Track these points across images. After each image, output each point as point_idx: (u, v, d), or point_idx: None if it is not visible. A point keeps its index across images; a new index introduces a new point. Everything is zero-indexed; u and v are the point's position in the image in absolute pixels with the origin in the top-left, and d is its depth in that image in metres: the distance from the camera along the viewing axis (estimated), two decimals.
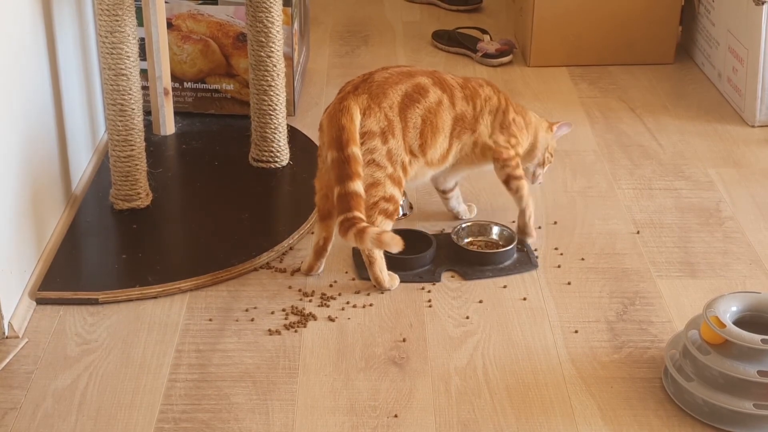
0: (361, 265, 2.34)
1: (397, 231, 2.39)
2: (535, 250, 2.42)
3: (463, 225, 2.48)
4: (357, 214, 2.14)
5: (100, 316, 2.20)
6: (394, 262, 2.32)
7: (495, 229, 2.48)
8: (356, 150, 2.17)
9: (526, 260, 2.39)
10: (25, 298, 2.22)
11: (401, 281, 2.32)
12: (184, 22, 2.98)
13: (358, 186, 2.15)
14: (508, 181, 2.42)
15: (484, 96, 2.38)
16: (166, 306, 2.24)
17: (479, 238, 2.48)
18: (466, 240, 2.46)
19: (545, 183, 2.74)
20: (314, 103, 3.20)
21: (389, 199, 2.25)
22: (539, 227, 2.53)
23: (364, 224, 2.13)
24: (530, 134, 2.48)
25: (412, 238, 2.37)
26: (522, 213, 2.45)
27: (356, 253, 2.39)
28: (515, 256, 2.40)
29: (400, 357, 2.10)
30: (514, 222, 2.50)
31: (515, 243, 2.41)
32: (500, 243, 2.46)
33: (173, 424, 1.92)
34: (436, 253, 2.39)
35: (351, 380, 2.03)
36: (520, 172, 2.42)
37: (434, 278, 2.33)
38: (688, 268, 2.40)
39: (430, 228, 2.51)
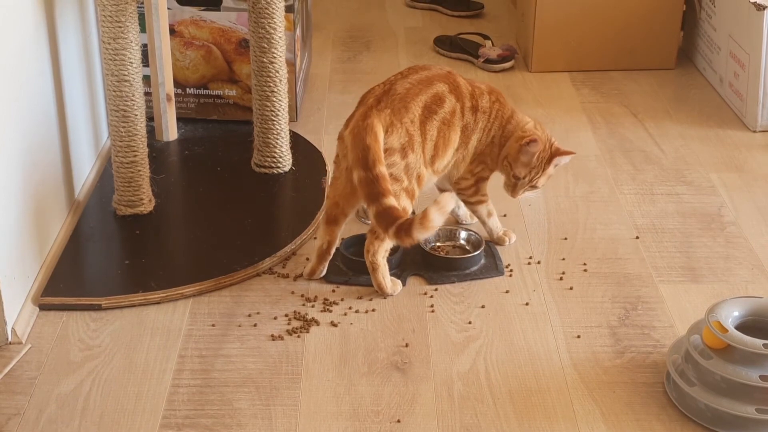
0: (328, 269, 2.36)
1: (364, 234, 2.42)
2: (508, 266, 2.41)
3: None
4: (403, 218, 2.16)
5: (103, 322, 2.21)
6: (360, 266, 2.33)
7: (462, 234, 2.48)
8: (383, 169, 2.18)
9: (492, 266, 2.39)
10: (28, 304, 2.22)
11: (365, 285, 2.33)
12: (187, 28, 2.98)
13: (392, 200, 2.18)
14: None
15: (482, 108, 2.38)
16: (169, 311, 2.24)
17: (447, 243, 2.48)
18: (432, 245, 2.46)
19: (547, 188, 2.75)
20: (316, 109, 3.21)
21: (403, 211, 2.26)
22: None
23: (411, 218, 2.15)
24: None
25: None
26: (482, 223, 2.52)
27: (332, 258, 2.40)
28: (482, 261, 2.40)
29: (403, 362, 2.10)
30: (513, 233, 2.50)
31: (482, 249, 2.42)
32: (467, 248, 2.46)
33: (176, 429, 1.92)
34: (402, 258, 2.39)
35: (354, 385, 2.03)
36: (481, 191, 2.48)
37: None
38: (690, 273, 2.40)
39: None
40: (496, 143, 2.40)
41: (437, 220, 2.10)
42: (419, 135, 2.27)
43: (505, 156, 2.39)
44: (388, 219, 2.16)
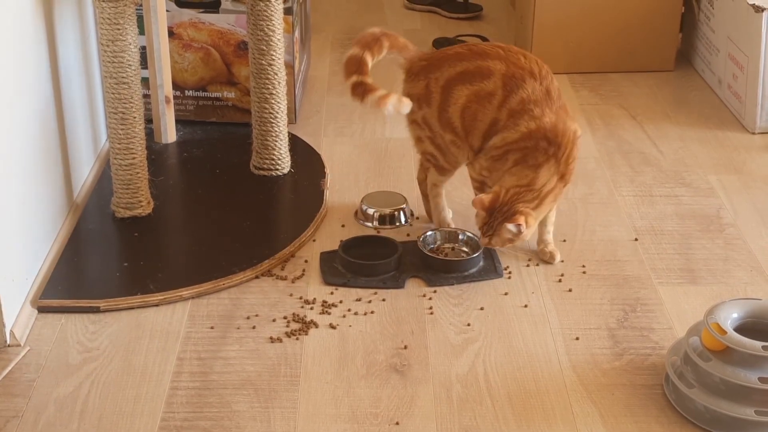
0: (327, 271, 2.36)
1: (363, 237, 2.44)
2: (506, 268, 2.41)
3: (429, 232, 2.47)
4: (368, 83, 2.33)
5: (102, 324, 2.20)
6: (359, 268, 2.34)
7: (461, 236, 2.48)
8: (368, 57, 2.36)
9: (491, 268, 2.39)
10: (27, 307, 2.22)
11: (365, 287, 2.33)
12: (186, 30, 2.98)
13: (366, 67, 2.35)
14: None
15: (522, 123, 2.27)
16: (168, 314, 2.24)
17: (446, 245, 2.48)
18: (431, 247, 2.46)
19: None
20: (315, 111, 3.21)
21: (431, 155, 2.42)
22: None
23: (375, 88, 2.32)
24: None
25: (377, 244, 2.41)
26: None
27: (323, 259, 2.41)
28: (480, 264, 2.40)
29: (402, 364, 2.10)
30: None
31: (481, 251, 2.41)
32: (466, 250, 2.46)
33: (175, 431, 1.92)
34: (401, 260, 2.39)
35: (352, 388, 2.03)
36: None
37: (398, 285, 2.34)
38: (688, 275, 2.40)
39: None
40: (505, 165, 2.31)
41: (390, 106, 2.28)
42: (439, 95, 2.34)
43: None
44: (356, 67, 2.34)
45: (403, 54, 2.43)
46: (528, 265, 2.43)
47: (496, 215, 2.27)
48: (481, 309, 2.27)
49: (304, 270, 2.39)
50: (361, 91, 2.31)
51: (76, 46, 2.65)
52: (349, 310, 2.26)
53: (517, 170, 2.28)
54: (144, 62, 2.75)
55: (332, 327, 2.21)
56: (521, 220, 2.24)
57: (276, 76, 2.69)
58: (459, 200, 2.65)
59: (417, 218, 2.61)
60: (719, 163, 2.92)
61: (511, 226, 2.25)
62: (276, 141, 2.75)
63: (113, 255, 2.46)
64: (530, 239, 2.46)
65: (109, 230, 2.53)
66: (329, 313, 2.25)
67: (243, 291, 2.32)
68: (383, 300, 2.30)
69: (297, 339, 2.17)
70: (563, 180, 2.29)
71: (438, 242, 2.48)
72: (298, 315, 2.24)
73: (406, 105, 2.30)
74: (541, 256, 2.44)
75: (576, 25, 3.44)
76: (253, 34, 2.65)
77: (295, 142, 2.90)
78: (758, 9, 3.01)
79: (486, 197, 2.26)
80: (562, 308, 2.28)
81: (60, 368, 2.07)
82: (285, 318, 2.23)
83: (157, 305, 2.26)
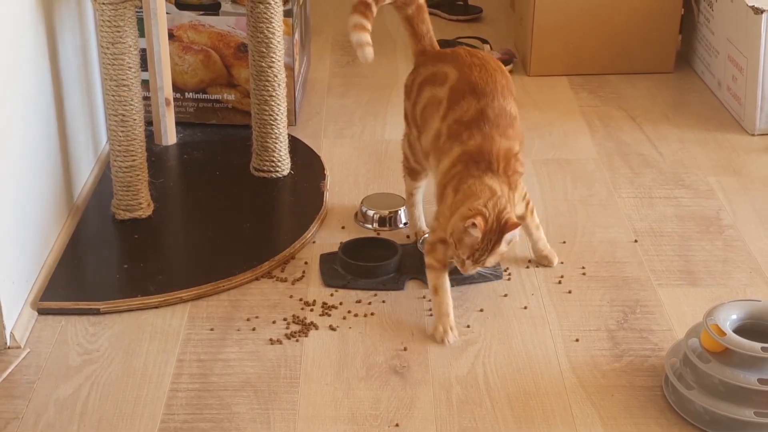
0: (327, 273, 2.36)
1: (363, 239, 2.44)
2: (506, 269, 2.40)
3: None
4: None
5: (102, 326, 2.21)
6: (358, 269, 2.34)
7: None
8: None
9: (490, 270, 2.38)
10: (27, 309, 2.22)
11: (365, 289, 2.33)
12: (186, 32, 2.99)
13: None
14: None
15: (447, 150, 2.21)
16: (168, 315, 2.25)
17: None
18: None
19: (546, 191, 2.75)
20: (315, 113, 3.21)
21: (404, 155, 2.46)
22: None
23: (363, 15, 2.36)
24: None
25: (377, 246, 2.41)
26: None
27: (323, 261, 2.41)
28: None
29: (401, 366, 2.10)
30: None
31: None
32: None
33: None
34: (401, 262, 2.39)
35: (352, 389, 2.03)
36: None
37: (398, 286, 2.34)
38: (688, 277, 2.40)
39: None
40: (447, 200, 2.18)
41: (355, 38, 2.30)
42: (416, 91, 2.36)
43: (451, 232, 2.13)
44: None
45: (414, 41, 2.43)
46: (528, 267, 2.43)
47: (490, 236, 2.10)
48: (481, 311, 2.27)
49: (304, 272, 2.40)
50: (360, 10, 2.31)
51: (76, 48, 2.65)
52: (349, 311, 2.26)
53: (469, 191, 2.12)
54: (144, 64, 2.76)
55: (332, 329, 2.21)
56: (514, 220, 2.12)
57: (276, 78, 2.69)
58: None
59: None
60: (718, 164, 2.92)
61: (509, 235, 2.09)
62: (276, 143, 2.75)
63: (113, 257, 2.46)
64: (528, 244, 2.47)
65: (109, 232, 2.53)
66: (329, 315, 2.25)
67: (243, 293, 2.33)
68: (383, 302, 2.30)
69: (297, 341, 2.17)
70: (512, 189, 2.17)
71: None
72: (298, 317, 2.24)
73: (367, 53, 2.29)
74: (540, 261, 2.43)
75: (575, 26, 3.45)
76: (253, 37, 2.66)
77: (295, 144, 2.90)
78: (758, 11, 3.01)
79: (482, 219, 2.07)
80: (562, 310, 2.28)
81: (60, 370, 2.08)
82: (285, 320, 2.23)
83: (156, 307, 2.26)
